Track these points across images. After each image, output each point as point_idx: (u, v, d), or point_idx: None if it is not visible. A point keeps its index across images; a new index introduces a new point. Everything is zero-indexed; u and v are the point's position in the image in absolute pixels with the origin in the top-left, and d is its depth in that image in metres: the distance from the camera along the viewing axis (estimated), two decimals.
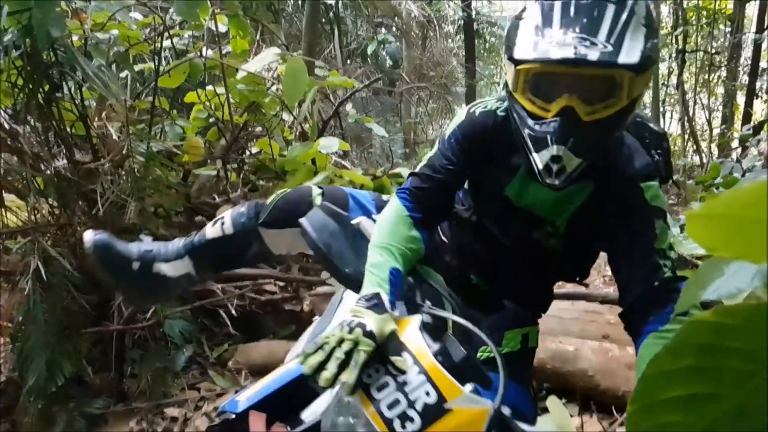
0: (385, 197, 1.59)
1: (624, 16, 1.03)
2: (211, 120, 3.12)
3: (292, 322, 2.86)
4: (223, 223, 1.62)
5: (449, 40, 10.36)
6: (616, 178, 1.20)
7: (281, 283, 2.97)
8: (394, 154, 7.37)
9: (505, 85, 1.18)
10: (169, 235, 2.76)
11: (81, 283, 2.31)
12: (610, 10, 1.03)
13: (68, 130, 2.40)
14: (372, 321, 1.00)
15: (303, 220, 1.28)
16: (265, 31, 4.22)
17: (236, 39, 3.18)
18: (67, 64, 2.14)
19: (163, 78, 2.73)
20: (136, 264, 1.57)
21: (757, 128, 5.51)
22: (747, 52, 9.18)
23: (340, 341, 0.96)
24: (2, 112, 2.33)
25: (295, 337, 2.81)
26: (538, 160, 1.11)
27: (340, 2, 7.09)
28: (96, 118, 2.59)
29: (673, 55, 9.04)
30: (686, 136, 8.69)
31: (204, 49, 3.00)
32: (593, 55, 1.00)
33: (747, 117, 7.96)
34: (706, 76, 9.00)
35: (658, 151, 1.33)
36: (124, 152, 2.34)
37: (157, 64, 2.66)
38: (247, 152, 3.47)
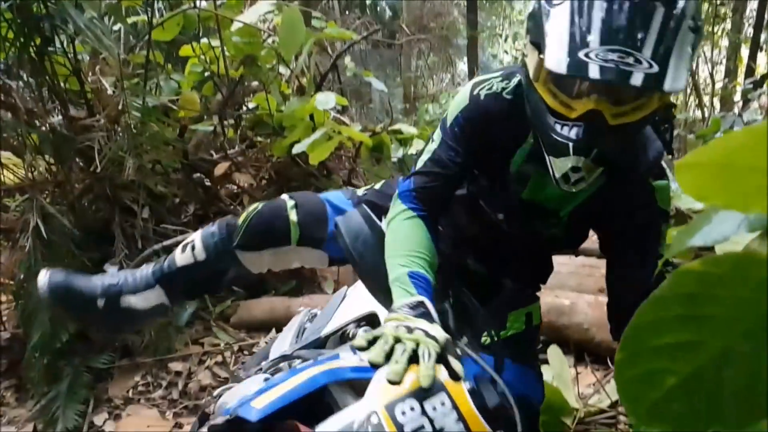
0: (359, 192, 1.53)
1: (673, 23, 0.91)
2: (206, 74, 3.07)
3: (293, 278, 2.89)
4: (193, 248, 1.50)
5: None
6: (629, 172, 1.13)
7: None
8: (394, 109, 7.27)
9: (523, 66, 1.08)
10: (168, 192, 2.77)
11: (81, 240, 2.32)
12: (659, 13, 0.90)
13: (62, 85, 2.37)
14: (428, 326, 0.96)
15: (340, 220, 1.28)
16: None
17: None
18: (59, 17, 2.10)
19: (156, 30, 2.67)
20: (101, 301, 1.46)
21: (760, 81, 5.40)
22: (753, 4, 8.96)
23: (397, 341, 0.91)
24: None
25: (296, 293, 2.90)
26: (556, 167, 1.03)
27: None
28: (90, 73, 2.55)
29: None
30: (688, 90, 8.57)
31: (198, 0, 2.93)
32: (636, 78, 0.89)
33: (750, 71, 7.83)
34: (710, 28, 8.78)
35: (666, 125, 1.24)
36: (119, 108, 2.32)
37: (150, 16, 2.60)
38: (244, 107, 3.43)
